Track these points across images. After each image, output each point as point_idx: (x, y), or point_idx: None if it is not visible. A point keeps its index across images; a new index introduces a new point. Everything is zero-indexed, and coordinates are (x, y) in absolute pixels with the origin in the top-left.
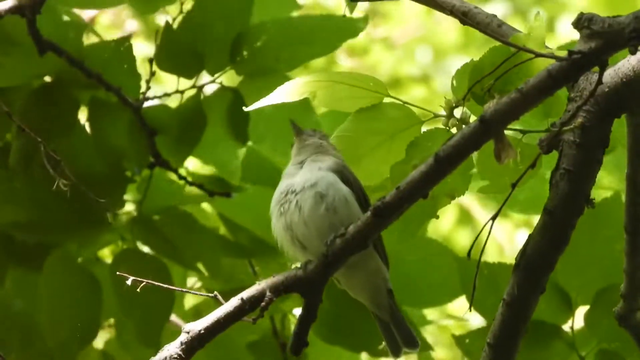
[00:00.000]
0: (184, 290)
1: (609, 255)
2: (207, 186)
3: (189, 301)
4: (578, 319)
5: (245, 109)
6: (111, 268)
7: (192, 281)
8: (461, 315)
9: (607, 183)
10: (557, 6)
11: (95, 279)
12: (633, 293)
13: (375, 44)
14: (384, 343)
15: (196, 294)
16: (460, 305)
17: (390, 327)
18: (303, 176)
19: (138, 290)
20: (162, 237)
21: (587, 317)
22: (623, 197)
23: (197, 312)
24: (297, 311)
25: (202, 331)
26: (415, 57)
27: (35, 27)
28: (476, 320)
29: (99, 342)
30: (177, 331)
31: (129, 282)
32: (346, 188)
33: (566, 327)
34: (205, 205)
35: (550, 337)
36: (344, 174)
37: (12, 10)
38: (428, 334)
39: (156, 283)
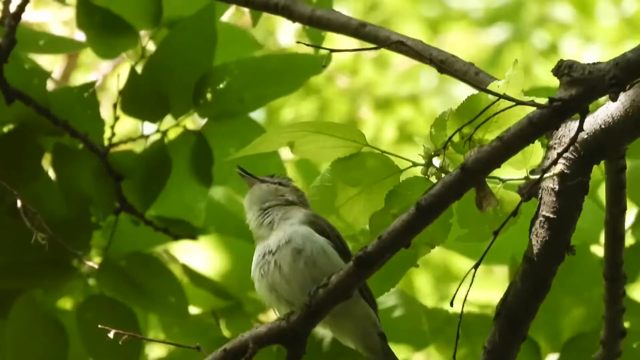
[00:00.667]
0: (168, 342)
1: (579, 303)
2: (172, 230)
3: (154, 352)
4: None
5: (225, 159)
6: (78, 314)
7: (153, 333)
8: None
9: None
10: (560, 28)
11: (61, 325)
12: (613, 340)
13: (365, 64)
14: None
15: (179, 345)
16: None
17: None
18: (276, 235)
19: (120, 342)
20: (128, 282)
21: None
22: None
23: None
24: None
25: None
26: (419, 80)
27: (3, 76)
28: None
29: None
30: None
31: (111, 334)
32: (322, 238)
33: None
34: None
35: None
36: (317, 224)
37: None
38: None
39: (139, 336)
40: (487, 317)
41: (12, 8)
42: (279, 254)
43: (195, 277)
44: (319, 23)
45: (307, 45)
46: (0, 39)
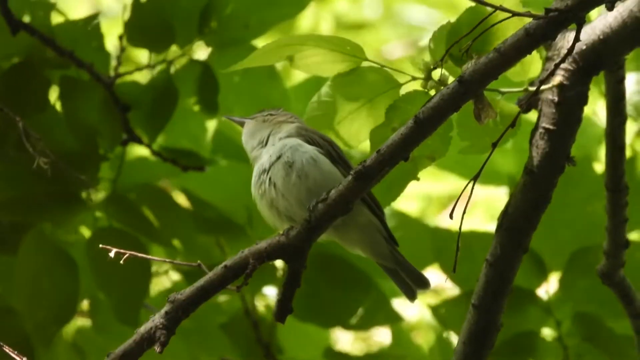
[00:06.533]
0: (167, 260)
1: (582, 217)
2: (180, 161)
3: (155, 287)
4: (553, 283)
5: (222, 71)
6: (88, 246)
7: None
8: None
9: (584, 140)
10: None
11: (72, 258)
12: (616, 250)
13: None
14: (357, 314)
15: (179, 264)
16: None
17: (398, 272)
18: (267, 152)
19: (121, 262)
20: (137, 215)
21: (562, 280)
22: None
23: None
24: (267, 289)
25: (186, 300)
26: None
27: (7, 7)
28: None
29: (69, 333)
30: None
31: (111, 254)
32: (311, 147)
33: (541, 292)
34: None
35: (525, 302)
36: (307, 136)
37: None
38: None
39: (139, 254)
40: (490, 235)
41: None
42: (272, 170)
43: (200, 204)
44: None
45: None
46: None
